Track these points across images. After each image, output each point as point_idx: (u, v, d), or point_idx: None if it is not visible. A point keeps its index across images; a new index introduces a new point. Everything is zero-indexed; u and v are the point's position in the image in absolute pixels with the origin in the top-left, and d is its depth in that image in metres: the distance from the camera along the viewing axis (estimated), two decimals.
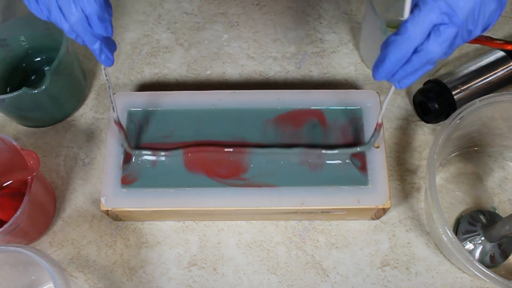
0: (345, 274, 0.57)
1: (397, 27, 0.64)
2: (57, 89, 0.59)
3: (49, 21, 0.42)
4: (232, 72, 0.68)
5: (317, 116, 0.58)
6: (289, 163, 0.56)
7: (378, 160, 0.55)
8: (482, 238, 0.57)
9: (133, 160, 0.56)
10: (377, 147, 0.56)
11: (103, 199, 0.54)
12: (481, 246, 0.57)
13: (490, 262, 0.57)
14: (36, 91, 0.55)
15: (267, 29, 0.71)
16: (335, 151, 0.55)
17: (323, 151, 0.55)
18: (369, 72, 0.67)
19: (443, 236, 0.50)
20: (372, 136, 0.54)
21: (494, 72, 0.61)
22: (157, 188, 0.55)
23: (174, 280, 0.58)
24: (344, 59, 0.68)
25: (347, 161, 0.56)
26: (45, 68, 0.67)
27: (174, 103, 0.59)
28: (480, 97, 0.55)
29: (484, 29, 0.38)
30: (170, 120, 0.58)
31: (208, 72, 0.68)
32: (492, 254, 0.57)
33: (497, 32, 0.70)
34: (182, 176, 0.55)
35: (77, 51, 0.65)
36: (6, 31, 0.63)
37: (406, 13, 0.36)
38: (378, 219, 0.59)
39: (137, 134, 0.57)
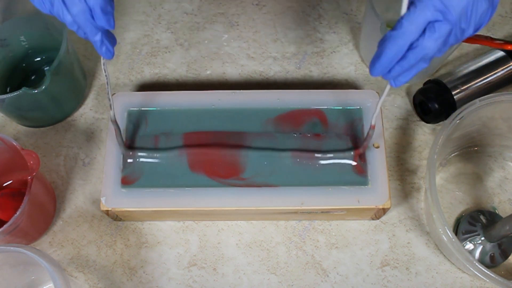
0: (345, 274, 0.57)
1: None
2: (57, 89, 0.59)
3: (50, 15, 0.42)
4: (232, 72, 0.68)
5: (317, 116, 0.58)
6: (289, 163, 0.56)
7: (378, 160, 0.55)
8: (482, 238, 0.57)
9: (132, 160, 0.56)
10: (377, 147, 0.56)
11: (103, 199, 0.54)
12: (481, 246, 0.57)
13: (490, 262, 0.57)
14: (36, 91, 0.55)
15: (267, 29, 0.71)
16: (330, 155, 0.55)
17: (316, 155, 0.55)
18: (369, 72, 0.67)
19: (443, 236, 0.50)
20: (365, 139, 0.53)
21: (494, 72, 0.61)
22: (157, 188, 0.55)
23: (174, 280, 0.58)
24: (344, 59, 0.68)
25: (347, 161, 0.55)
26: (45, 68, 0.67)
27: (174, 103, 0.59)
28: (480, 97, 0.55)
29: (477, 29, 0.39)
30: (170, 120, 0.58)
31: (208, 72, 0.68)
32: (492, 254, 0.57)
33: (497, 32, 0.70)
34: (182, 176, 0.55)
35: (77, 51, 0.65)
36: (6, 31, 0.63)
37: (403, 10, 0.38)
38: (378, 219, 0.59)
39: (137, 134, 0.57)
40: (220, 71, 0.68)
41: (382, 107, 0.64)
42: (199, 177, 0.55)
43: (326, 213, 0.56)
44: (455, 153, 0.63)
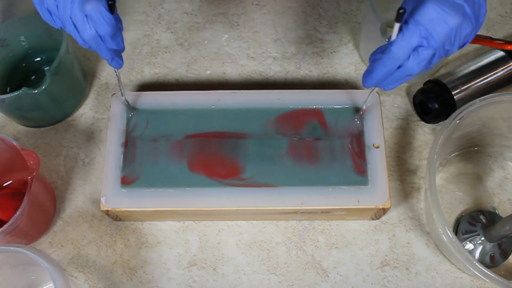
0: (345, 274, 0.57)
1: None
2: (57, 89, 0.59)
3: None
4: (232, 72, 0.68)
5: (317, 116, 0.58)
6: (289, 163, 0.56)
7: (378, 160, 0.55)
8: (482, 238, 0.57)
9: (133, 157, 0.56)
10: (377, 147, 0.56)
11: (103, 199, 0.54)
12: (481, 246, 0.57)
13: (490, 262, 0.57)
14: (36, 91, 0.55)
15: (267, 29, 0.71)
16: (330, 155, 0.56)
17: (316, 155, 0.55)
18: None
19: (443, 236, 0.50)
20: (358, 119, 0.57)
21: (494, 72, 0.61)
22: (157, 188, 0.55)
23: (174, 280, 0.58)
24: (344, 59, 0.68)
25: (347, 161, 0.56)
26: (45, 68, 0.67)
27: (174, 103, 0.59)
28: (480, 97, 0.55)
29: (461, 47, 0.43)
30: (169, 120, 0.58)
31: (208, 72, 0.68)
32: (492, 254, 0.57)
33: (497, 32, 0.70)
34: (182, 176, 0.55)
35: (77, 51, 0.65)
36: (6, 31, 0.63)
37: (394, 36, 0.41)
38: (378, 219, 0.59)
39: (137, 134, 0.57)
40: (220, 71, 0.68)
41: (382, 107, 0.64)
42: (199, 178, 0.55)
43: (326, 213, 0.56)
44: (455, 153, 0.63)
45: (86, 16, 0.41)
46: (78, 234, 0.60)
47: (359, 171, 0.55)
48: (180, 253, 0.59)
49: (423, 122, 0.64)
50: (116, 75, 0.52)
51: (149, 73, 0.68)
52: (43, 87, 0.56)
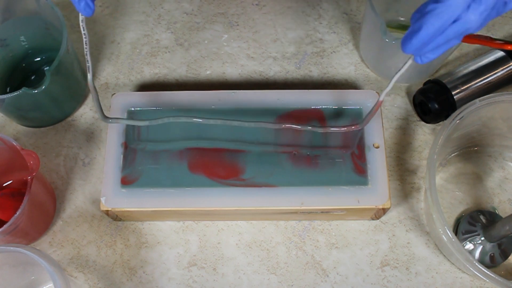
0: (345, 274, 0.57)
1: (397, 27, 0.65)
2: (57, 89, 0.59)
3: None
4: (232, 72, 0.68)
5: (317, 116, 0.58)
6: (289, 164, 0.56)
7: (378, 160, 0.55)
8: (482, 238, 0.57)
9: (132, 160, 0.56)
10: (377, 147, 0.56)
11: (103, 199, 0.54)
12: (481, 246, 0.57)
13: (490, 262, 0.57)
14: (36, 91, 0.55)
15: (267, 29, 0.71)
16: (330, 155, 0.56)
17: (316, 155, 0.55)
18: (369, 72, 0.67)
19: (443, 236, 0.50)
20: (369, 113, 0.53)
21: (494, 72, 0.61)
22: (157, 188, 0.55)
23: (174, 280, 0.58)
24: (344, 59, 0.68)
25: (347, 161, 0.56)
26: (45, 68, 0.67)
27: (174, 103, 0.59)
28: (480, 97, 0.55)
29: None
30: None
31: (208, 72, 0.68)
32: (492, 254, 0.57)
33: (497, 32, 0.70)
34: (182, 177, 0.55)
35: (77, 51, 0.65)
36: (6, 31, 0.63)
37: None
38: (378, 219, 0.59)
39: (137, 134, 0.57)
40: (220, 71, 0.68)
41: (382, 107, 0.64)
42: (199, 178, 0.55)
43: (326, 213, 0.56)
44: (455, 153, 0.63)
45: None
46: (78, 234, 0.60)
47: (359, 171, 0.55)
48: (180, 253, 0.59)
49: (423, 122, 0.64)
50: (82, 27, 0.44)
51: (149, 73, 0.68)
52: (43, 87, 0.56)
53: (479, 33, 0.47)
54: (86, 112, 0.66)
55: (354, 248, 0.59)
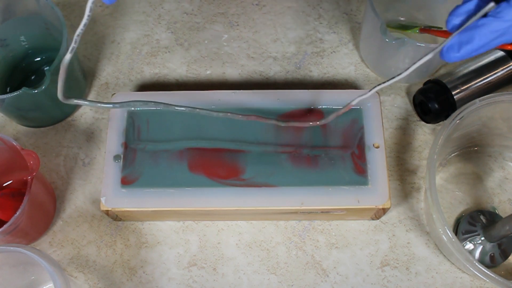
0: (345, 274, 0.57)
1: (397, 27, 0.65)
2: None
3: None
4: (232, 72, 0.68)
5: (317, 116, 0.58)
6: (289, 164, 0.56)
7: (378, 160, 0.55)
8: (482, 238, 0.57)
9: (131, 159, 0.56)
10: (377, 147, 0.56)
11: (103, 199, 0.54)
12: (481, 246, 0.57)
13: (490, 262, 0.57)
14: (36, 91, 0.55)
15: (267, 29, 0.71)
16: (330, 155, 0.55)
17: (316, 155, 0.55)
18: (369, 72, 0.67)
19: (443, 236, 0.50)
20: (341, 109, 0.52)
21: (494, 72, 0.61)
22: (157, 188, 0.55)
23: (174, 280, 0.58)
24: (344, 59, 0.68)
25: (347, 161, 0.56)
26: (45, 68, 0.67)
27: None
28: (480, 97, 0.55)
29: None
30: (170, 120, 0.58)
31: (208, 72, 0.68)
32: (492, 254, 0.57)
33: None
34: (182, 177, 0.55)
35: (77, 51, 0.65)
36: (6, 31, 0.63)
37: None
38: (378, 219, 0.59)
39: (137, 134, 0.57)
40: (220, 71, 0.68)
41: (382, 107, 0.64)
42: (199, 178, 0.55)
43: (326, 213, 0.56)
44: (455, 153, 0.63)
45: None
46: (78, 234, 0.60)
47: (359, 171, 0.55)
48: (180, 253, 0.59)
49: (423, 122, 0.64)
50: (90, 8, 0.40)
51: (149, 73, 0.68)
52: (43, 87, 0.56)
53: None
54: (86, 112, 0.66)
55: (354, 248, 0.59)
